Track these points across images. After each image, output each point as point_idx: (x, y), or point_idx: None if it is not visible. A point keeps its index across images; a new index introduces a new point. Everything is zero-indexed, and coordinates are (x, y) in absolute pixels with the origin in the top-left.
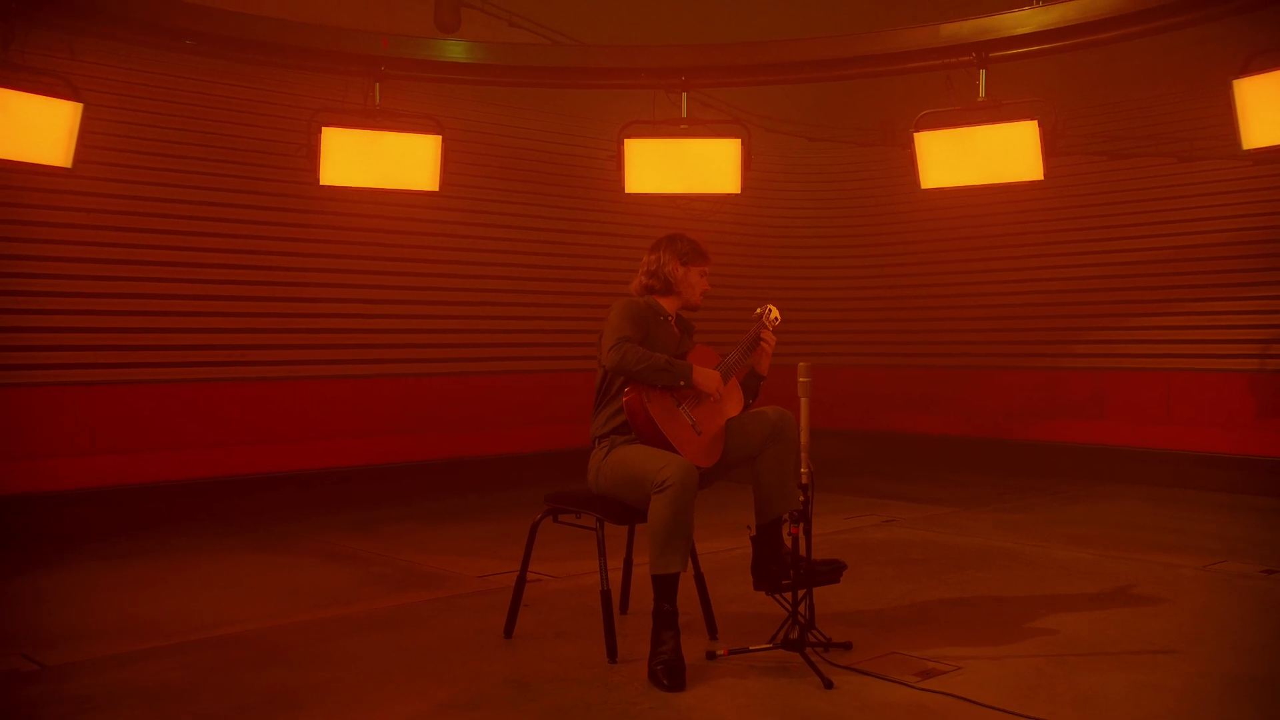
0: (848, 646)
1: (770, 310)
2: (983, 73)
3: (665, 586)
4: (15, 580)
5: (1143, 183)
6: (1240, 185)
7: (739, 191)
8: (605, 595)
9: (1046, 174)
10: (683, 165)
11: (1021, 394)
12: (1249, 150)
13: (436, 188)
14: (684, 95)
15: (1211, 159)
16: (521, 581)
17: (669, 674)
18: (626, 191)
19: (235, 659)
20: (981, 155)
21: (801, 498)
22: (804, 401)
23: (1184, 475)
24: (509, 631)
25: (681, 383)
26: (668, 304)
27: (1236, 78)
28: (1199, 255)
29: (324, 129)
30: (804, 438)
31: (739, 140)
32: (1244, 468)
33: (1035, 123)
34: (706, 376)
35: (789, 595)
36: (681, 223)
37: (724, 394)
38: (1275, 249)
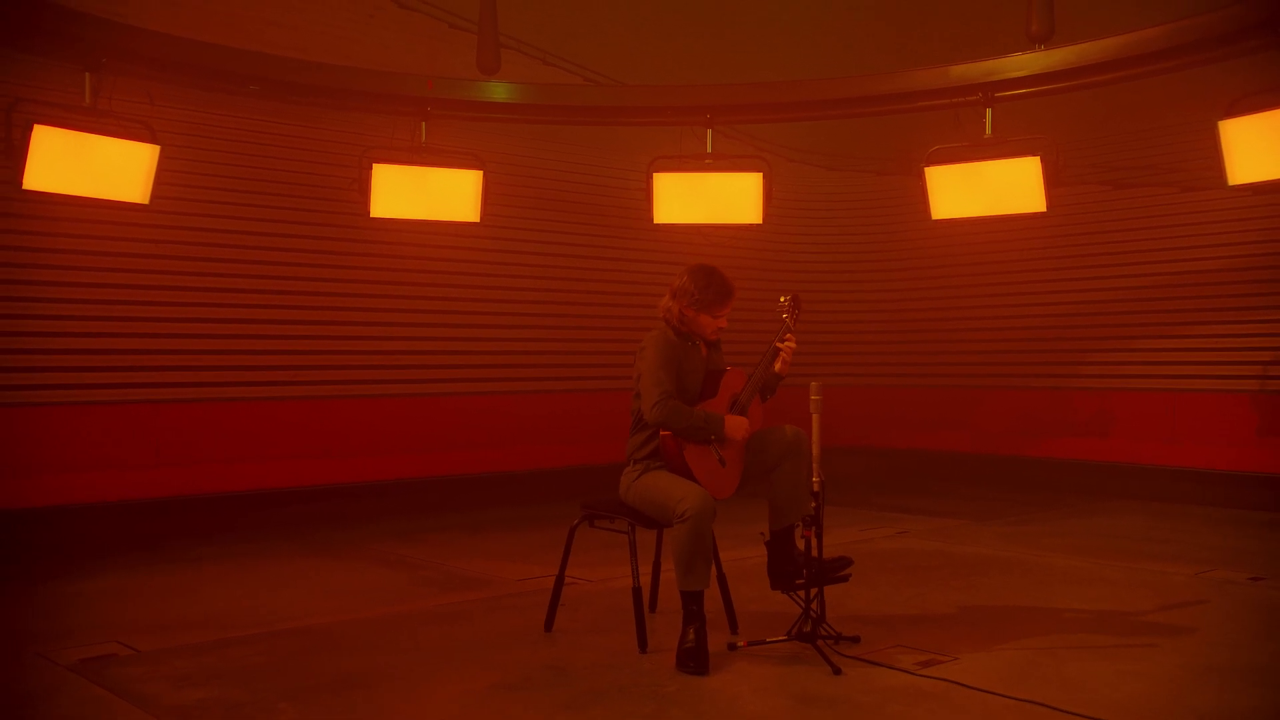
0: (856, 640)
1: (788, 301)
2: (989, 111)
3: (692, 599)
4: (99, 580)
5: (1146, 211)
6: (1239, 214)
7: (761, 222)
8: (636, 592)
9: (1052, 205)
10: (708, 197)
11: (1029, 413)
12: (1234, 185)
13: (478, 219)
14: (709, 131)
15: (1212, 188)
16: (560, 580)
17: (694, 660)
18: (655, 222)
19: (306, 647)
20: (988, 188)
21: (813, 504)
22: (815, 418)
23: (1186, 491)
24: (548, 626)
25: (713, 438)
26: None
27: (1222, 119)
28: (1201, 280)
29: (375, 165)
30: (815, 450)
31: (761, 174)
32: (1244, 484)
33: (1038, 159)
34: (735, 426)
35: (802, 593)
36: (705, 250)
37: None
38: (1274, 274)
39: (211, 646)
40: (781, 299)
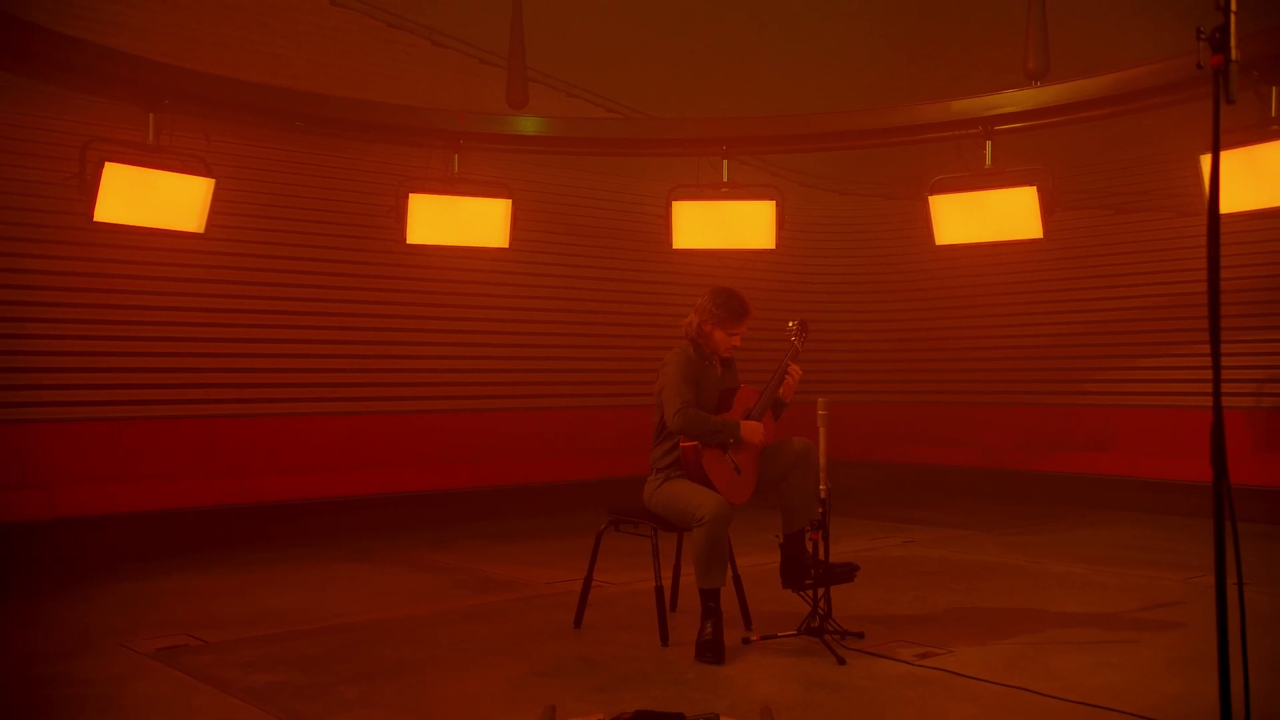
0: (860, 636)
1: (796, 326)
2: (989, 143)
3: (709, 596)
4: (159, 581)
5: (1145, 235)
6: (1235, 238)
7: (774, 246)
8: (659, 591)
9: (1055, 228)
10: (724, 224)
11: (1035, 429)
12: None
13: (506, 244)
14: (724, 162)
15: (1206, 213)
16: (588, 581)
17: (711, 650)
18: (674, 247)
19: (355, 641)
20: (988, 216)
21: (820, 510)
22: (822, 431)
23: (1185, 504)
24: (578, 622)
25: (732, 440)
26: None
27: (1204, 153)
28: (1198, 302)
29: (410, 194)
30: (822, 460)
31: (774, 202)
32: (1239, 497)
33: (1035, 188)
34: (750, 429)
35: (811, 592)
36: (721, 274)
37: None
38: (1267, 296)
39: (271, 639)
40: (790, 324)
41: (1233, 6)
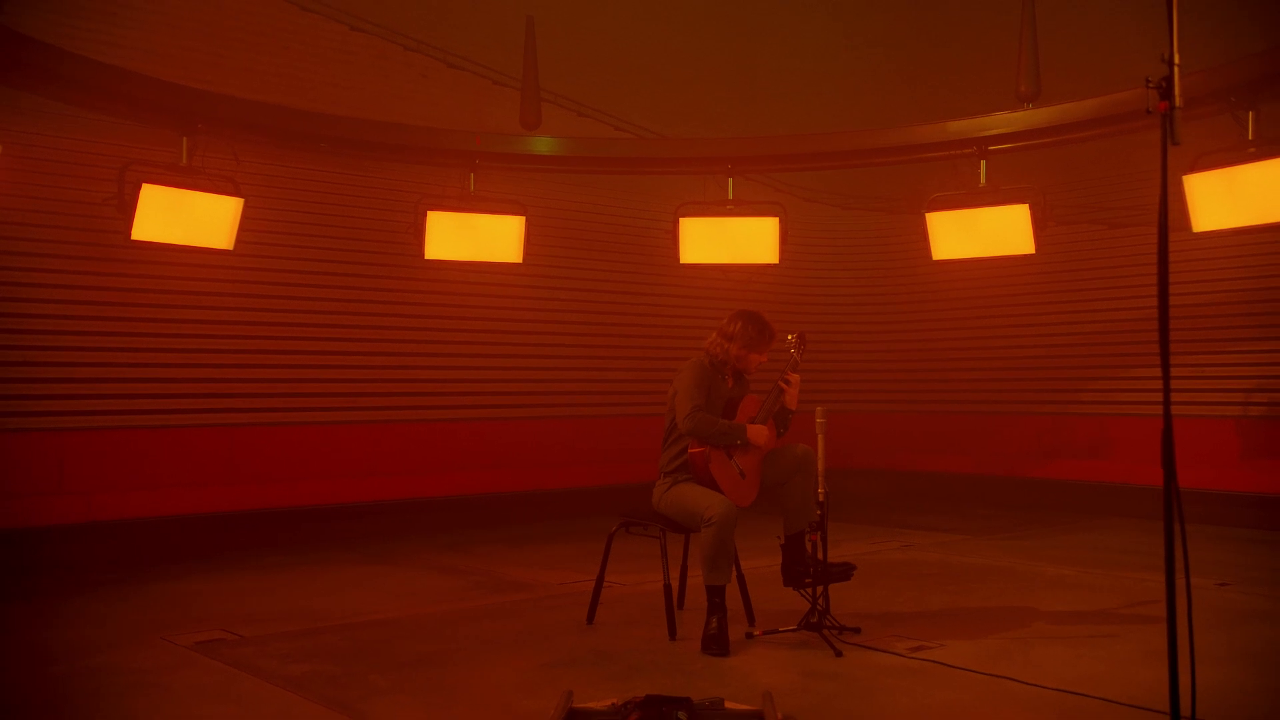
0: (857, 631)
1: (795, 339)
2: (983, 162)
3: (715, 592)
4: (189, 582)
5: (1138, 249)
6: (1222, 253)
7: (777, 262)
8: (667, 589)
9: (1050, 243)
10: (729, 239)
11: (1032, 437)
12: (1198, 233)
13: (520, 259)
14: (730, 180)
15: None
16: (600, 580)
17: (716, 643)
18: (681, 262)
19: (382, 636)
20: (982, 233)
21: (818, 513)
22: (820, 438)
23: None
24: (590, 619)
25: (739, 442)
26: (726, 365)
27: (1186, 174)
28: (1190, 314)
29: (428, 212)
30: (820, 465)
31: (777, 219)
32: (1228, 503)
33: (1027, 205)
34: (756, 432)
35: (810, 589)
36: (726, 288)
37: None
38: (1256, 308)
39: (301, 634)
40: (789, 336)
41: (1175, 60)
